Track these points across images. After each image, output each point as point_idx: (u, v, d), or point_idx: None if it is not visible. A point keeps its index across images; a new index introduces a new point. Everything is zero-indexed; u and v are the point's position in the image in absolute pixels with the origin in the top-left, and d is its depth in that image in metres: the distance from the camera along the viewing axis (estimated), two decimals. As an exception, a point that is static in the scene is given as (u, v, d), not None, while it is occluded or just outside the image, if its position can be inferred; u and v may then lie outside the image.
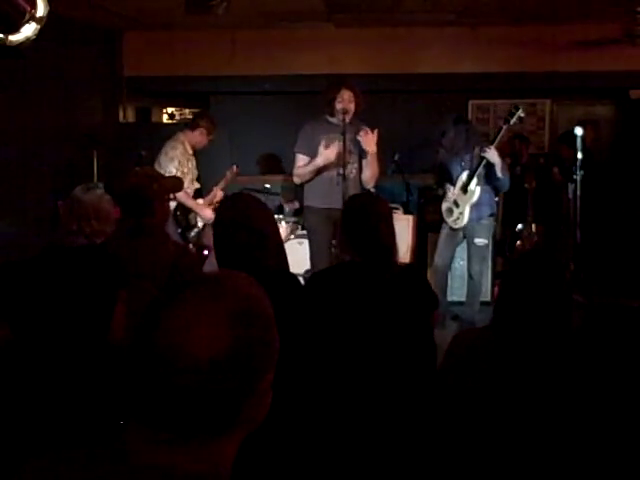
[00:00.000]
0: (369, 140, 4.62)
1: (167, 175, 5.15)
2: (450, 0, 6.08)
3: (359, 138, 4.62)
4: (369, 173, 4.75)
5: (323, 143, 4.63)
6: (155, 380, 0.90)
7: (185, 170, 5.42)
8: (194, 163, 5.59)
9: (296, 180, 4.86)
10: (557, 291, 2.08)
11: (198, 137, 5.54)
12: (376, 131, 4.66)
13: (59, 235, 3.27)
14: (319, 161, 4.63)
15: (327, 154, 4.59)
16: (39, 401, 1.43)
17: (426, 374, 2.30)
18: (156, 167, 5.30)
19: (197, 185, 5.63)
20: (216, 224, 2.39)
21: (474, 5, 6.17)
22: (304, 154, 4.76)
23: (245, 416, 0.95)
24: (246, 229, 2.25)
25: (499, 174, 5.19)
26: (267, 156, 8.07)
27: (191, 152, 5.54)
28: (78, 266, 1.58)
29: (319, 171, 4.69)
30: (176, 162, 5.36)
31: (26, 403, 1.43)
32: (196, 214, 5.47)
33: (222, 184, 5.74)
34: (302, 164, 4.76)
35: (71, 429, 1.34)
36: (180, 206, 5.35)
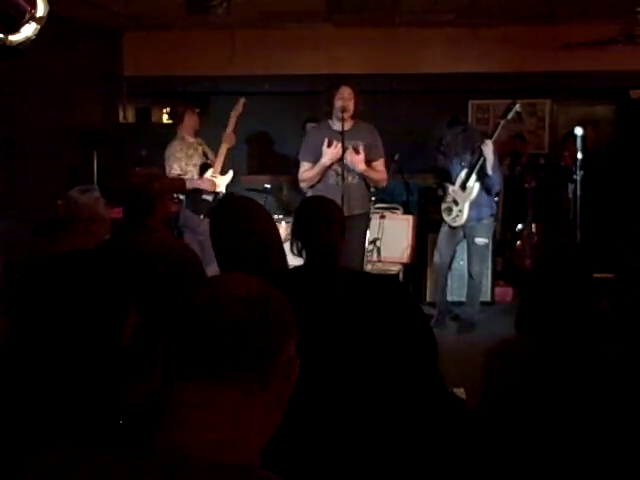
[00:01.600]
0: (356, 160, 4.58)
1: (172, 175, 5.23)
2: (450, 0, 6.09)
3: (345, 162, 4.56)
4: (371, 182, 4.76)
5: (326, 142, 4.60)
6: (199, 321, 1.00)
7: (193, 162, 5.54)
8: (200, 149, 5.67)
9: (303, 185, 4.83)
10: (586, 291, 2.03)
11: (188, 122, 5.65)
12: (361, 148, 4.61)
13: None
14: (325, 160, 4.58)
15: (331, 152, 4.56)
16: (45, 403, 1.43)
17: (413, 371, 2.27)
18: (166, 169, 5.45)
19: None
20: (213, 230, 2.38)
21: (474, 5, 6.17)
22: (308, 161, 4.73)
23: (278, 375, 1.03)
24: (246, 233, 2.23)
25: (489, 171, 5.18)
26: (267, 156, 8.07)
27: (192, 140, 5.63)
28: (96, 268, 1.58)
29: (324, 173, 4.65)
30: (172, 160, 5.45)
31: (33, 406, 1.43)
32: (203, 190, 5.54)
33: (233, 119, 5.74)
34: (307, 168, 4.73)
35: (76, 431, 1.34)
36: (190, 199, 5.47)
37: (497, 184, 5.38)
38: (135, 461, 0.98)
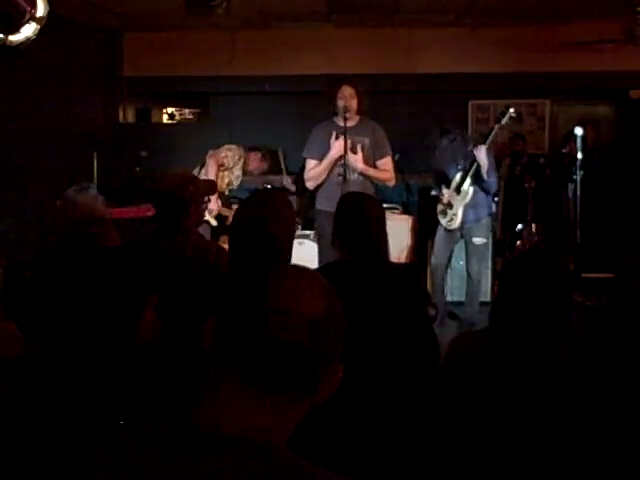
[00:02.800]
0: (354, 159, 4.55)
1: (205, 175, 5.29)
2: (450, 0, 6.09)
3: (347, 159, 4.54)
4: (378, 181, 4.74)
5: (334, 135, 4.57)
6: (264, 338, 1.01)
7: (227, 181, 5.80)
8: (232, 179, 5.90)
9: (310, 185, 4.76)
10: (556, 291, 2.07)
11: (254, 163, 6.02)
12: (359, 147, 4.58)
13: (54, 234, 3.28)
14: (333, 152, 4.53)
15: (340, 144, 4.49)
16: (65, 403, 1.44)
17: (425, 371, 2.29)
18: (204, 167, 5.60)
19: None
20: (232, 221, 2.41)
21: (474, 5, 6.18)
22: (314, 158, 4.69)
23: (324, 384, 1.06)
24: (256, 229, 2.25)
25: (484, 176, 5.18)
26: (267, 156, 8.07)
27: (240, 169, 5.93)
28: (108, 268, 1.59)
29: (330, 171, 4.62)
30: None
31: (53, 406, 1.44)
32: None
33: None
34: (314, 166, 4.69)
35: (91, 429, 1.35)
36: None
37: (494, 186, 5.38)
38: (169, 433, 1.01)
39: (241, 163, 5.83)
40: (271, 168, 6.44)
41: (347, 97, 4.54)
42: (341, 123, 4.53)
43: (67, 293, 1.54)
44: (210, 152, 5.67)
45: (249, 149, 6.02)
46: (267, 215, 2.30)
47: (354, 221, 2.54)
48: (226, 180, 5.77)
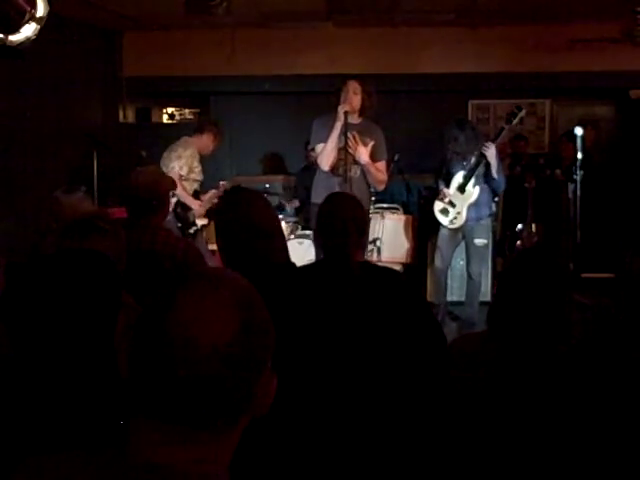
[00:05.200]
0: (361, 151, 4.52)
1: (169, 172, 5.19)
2: (450, 0, 6.09)
3: (350, 150, 4.49)
4: (371, 179, 4.70)
5: (340, 107, 4.47)
6: (169, 372, 0.90)
7: (195, 172, 5.48)
8: (200, 169, 5.60)
9: (324, 167, 4.58)
10: (556, 291, 2.06)
11: (206, 141, 5.55)
12: (371, 143, 4.56)
13: (38, 232, 3.29)
14: (337, 124, 4.45)
15: (341, 107, 4.42)
16: (40, 404, 1.43)
17: (415, 372, 2.28)
18: (161, 165, 5.37)
19: (196, 187, 5.62)
20: (218, 223, 2.39)
21: (474, 5, 6.17)
22: (323, 142, 4.58)
23: (254, 403, 0.96)
24: (249, 228, 2.24)
25: (494, 175, 5.19)
26: (267, 156, 8.08)
27: (198, 157, 5.56)
28: (85, 271, 1.58)
29: (331, 169, 4.58)
30: (183, 161, 5.39)
31: (27, 407, 1.43)
32: (193, 210, 5.50)
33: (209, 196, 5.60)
34: (323, 148, 4.57)
35: (72, 433, 1.34)
36: (180, 202, 5.36)
37: (502, 185, 5.41)
38: (98, 464, 0.94)
39: (196, 156, 5.49)
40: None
41: (350, 92, 4.51)
42: (341, 118, 4.44)
43: (39, 295, 1.52)
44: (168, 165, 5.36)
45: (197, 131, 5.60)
46: (243, 215, 2.30)
47: (324, 222, 2.56)
48: (194, 185, 5.60)
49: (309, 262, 2.68)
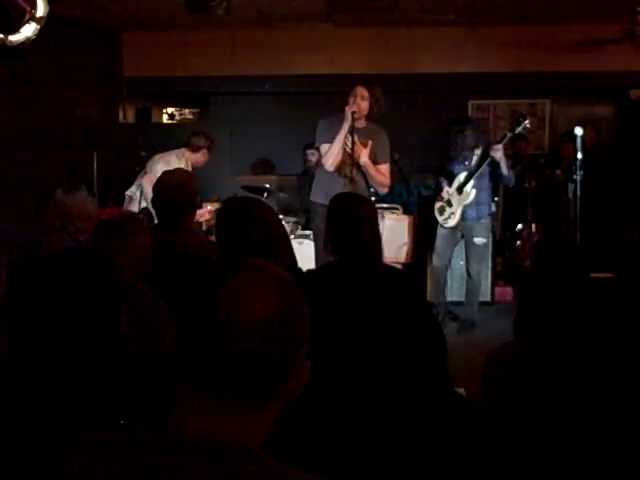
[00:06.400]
0: (359, 152, 4.50)
1: (153, 173, 5.14)
2: (450, 0, 6.09)
3: (347, 149, 4.48)
4: (371, 181, 4.68)
5: (347, 108, 4.47)
6: (214, 345, 0.99)
7: None
8: None
9: (329, 165, 4.58)
10: (585, 294, 1.98)
11: (200, 157, 5.52)
12: (370, 143, 4.55)
13: (42, 231, 3.29)
14: (345, 125, 4.44)
15: (349, 108, 4.41)
16: (46, 402, 1.43)
17: (429, 371, 2.27)
18: (147, 166, 5.37)
19: None
20: (218, 235, 2.40)
21: (474, 5, 6.17)
22: (329, 142, 4.58)
23: (289, 384, 1.04)
24: (249, 241, 2.25)
25: (505, 172, 5.21)
26: (267, 156, 8.07)
27: (190, 169, 5.54)
28: (88, 269, 1.57)
29: (336, 170, 4.57)
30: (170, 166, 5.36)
31: (34, 406, 1.43)
32: None
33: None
34: (328, 148, 4.57)
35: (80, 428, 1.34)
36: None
37: (513, 180, 5.44)
38: (142, 436, 1.01)
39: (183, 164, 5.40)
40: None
41: (357, 97, 4.50)
42: (349, 119, 4.43)
43: (43, 294, 1.51)
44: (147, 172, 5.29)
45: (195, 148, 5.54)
46: (243, 226, 2.30)
47: (347, 223, 2.52)
48: None
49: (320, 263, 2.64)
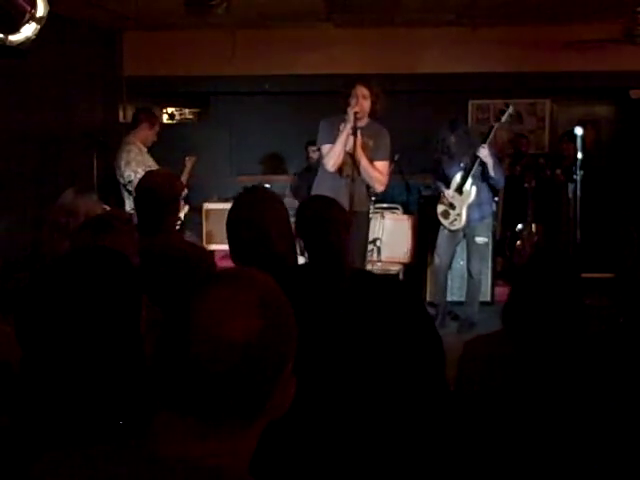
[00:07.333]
0: (360, 152, 4.46)
1: (134, 181, 5.17)
2: (450, 0, 6.09)
3: (349, 150, 4.49)
4: (366, 177, 4.65)
5: (349, 109, 4.45)
6: (192, 369, 0.94)
7: (151, 166, 5.43)
8: (152, 160, 5.62)
9: (330, 166, 4.54)
10: (572, 291, 2.04)
11: (143, 132, 5.59)
12: (371, 143, 4.54)
13: (44, 229, 3.27)
14: (348, 125, 4.41)
15: (351, 108, 4.39)
16: (62, 403, 1.42)
17: (411, 376, 2.26)
18: (118, 176, 5.43)
19: None
20: (227, 221, 2.41)
21: (474, 5, 6.17)
22: (330, 143, 4.56)
23: (273, 403, 0.99)
24: (249, 227, 2.26)
25: (491, 173, 5.23)
26: (267, 156, 8.08)
27: (145, 150, 5.55)
28: (105, 268, 1.55)
29: (337, 170, 4.56)
30: (134, 165, 5.43)
31: (47, 407, 1.42)
32: None
33: (184, 176, 5.65)
34: (330, 148, 4.55)
35: (91, 430, 1.33)
36: None
37: (501, 182, 5.43)
38: (120, 457, 0.97)
39: (142, 151, 5.52)
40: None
41: (358, 96, 4.49)
42: (351, 119, 4.41)
43: (58, 295, 1.49)
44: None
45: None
46: (257, 215, 2.31)
47: (313, 225, 2.52)
48: None
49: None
